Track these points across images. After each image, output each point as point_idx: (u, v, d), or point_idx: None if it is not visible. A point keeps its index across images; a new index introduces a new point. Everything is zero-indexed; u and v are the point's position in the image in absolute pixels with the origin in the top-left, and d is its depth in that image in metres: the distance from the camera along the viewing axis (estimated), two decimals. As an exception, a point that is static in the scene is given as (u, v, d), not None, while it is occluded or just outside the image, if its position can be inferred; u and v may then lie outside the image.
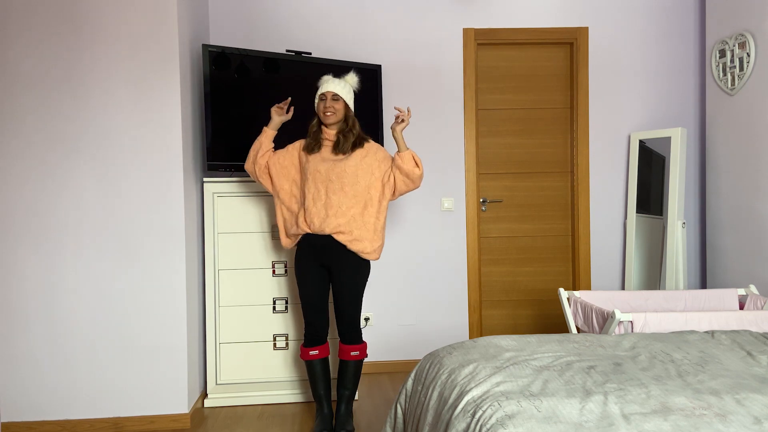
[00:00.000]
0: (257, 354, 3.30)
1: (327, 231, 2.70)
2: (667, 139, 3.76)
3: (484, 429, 1.50)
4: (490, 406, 1.60)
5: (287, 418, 3.06)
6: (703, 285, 4.03)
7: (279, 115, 2.83)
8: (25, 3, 2.83)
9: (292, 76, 3.38)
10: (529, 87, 4.02)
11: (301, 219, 2.74)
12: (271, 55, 3.34)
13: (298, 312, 3.32)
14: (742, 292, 3.15)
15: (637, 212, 3.93)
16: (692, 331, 2.37)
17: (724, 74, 3.62)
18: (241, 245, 3.27)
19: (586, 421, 1.49)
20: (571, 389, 1.69)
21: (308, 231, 2.74)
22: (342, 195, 2.69)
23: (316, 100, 2.77)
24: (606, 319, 2.70)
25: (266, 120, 3.04)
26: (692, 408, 1.54)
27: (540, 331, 4.06)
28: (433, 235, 3.89)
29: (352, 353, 2.84)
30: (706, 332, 2.35)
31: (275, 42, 3.78)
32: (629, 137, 4.00)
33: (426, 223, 3.89)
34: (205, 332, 3.28)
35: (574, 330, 2.98)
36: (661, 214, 3.78)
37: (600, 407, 1.56)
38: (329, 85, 2.72)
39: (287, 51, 3.46)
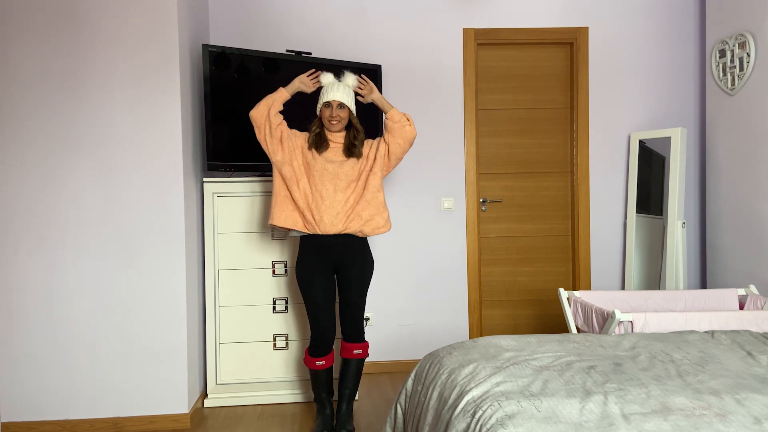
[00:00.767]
0: (257, 354, 3.30)
1: (338, 229, 2.69)
2: (667, 139, 3.76)
3: (484, 429, 1.50)
4: (490, 406, 1.60)
5: (287, 418, 3.06)
6: (703, 285, 4.03)
7: (303, 84, 2.77)
8: (25, 3, 2.83)
9: (292, 76, 3.34)
10: (529, 87, 4.02)
11: (308, 214, 2.71)
12: (271, 55, 3.34)
13: (297, 312, 3.31)
14: (742, 292, 3.15)
15: (637, 212, 3.93)
16: (692, 331, 2.37)
17: (724, 74, 3.62)
18: (241, 245, 3.27)
19: (586, 421, 1.49)
20: (571, 389, 1.69)
21: (317, 231, 2.70)
22: (349, 192, 2.71)
23: (320, 105, 2.76)
24: (606, 319, 2.70)
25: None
26: (692, 408, 1.54)
27: (540, 331, 4.06)
28: (433, 235, 3.89)
29: (355, 351, 2.84)
30: (706, 332, 2.35)
31: (275, 42, 3.78)
32: (629, 137, 4.00)
33: (426, 223, 3.89)
34: (205, 332, 3.28)
35: (574, 330, 2.98)
36: (661, 214, 3.78)
37: (600, 407, 1.56)
38: (335, 93, 2.70)
39: (287, 51, 3.46)
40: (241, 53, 3.27)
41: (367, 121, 3.47)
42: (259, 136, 2.71)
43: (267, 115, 2.68)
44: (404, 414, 2.25)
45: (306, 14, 3.80)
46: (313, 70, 2.82)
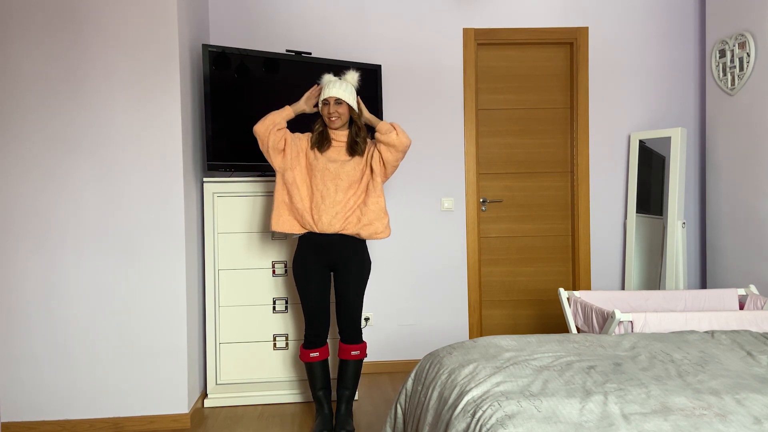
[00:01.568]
0: (257, 354, 3.30)
1: (335, 229, 2.71)
2: (667, 139, 3.76)
3: (484, 429, 1.50)
4: (490, 406, 1.60)
5: (287, 418, 3.06)
6: (703, 285, 4.03)
7: (307, 106, 2.81)
8: (25, 3, 2.83)
9: (292, 76, 3.38)
10: (529, 87, 4.02)
11: (307, 216, 2.73)
12: (271, 55, 3.34)
13: (298, 312, 3.32)
14: (742, 292, 3.15)
15: (637, 212, 3.93)
16: (692, 331, 2.37)
17: (724, 74, 3.62)
18: (241, 245, 3.27)
19: (586, 421, 1.49)
20: (571, 389, 1.69)
21: (315, 230, 2.73)
22: (351, 193, 2.73)
23: (320, 104, 2.78)
24: (606, 319, 2.70)
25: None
26: (692, 408, 1.54)
27: (540, 331, 4.06)
28: (433, 235, 3.89)
29: (353, 353, 2.85)
30: (706, 332, 2.35)
31: (275, 42, 3.78)
32: (629, 137, 4.00)
33: (426, 223, 3.89)
34: (205, 332, 3.28)
35: (574, 330, 2.98)
36: (661, 214, 3.78)
37: (600, 407, 1.56)
38: (332, 90, 2.72)
39: (287, 51, 3.46)
40: (241, 53, 3.27)
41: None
42: (262, 148, 2.77)
43: (270, 132, 2.72)
44: (404, 414, 2.25)
45: (306, 14, 3.80)
46: (317, 85, 2.84)
